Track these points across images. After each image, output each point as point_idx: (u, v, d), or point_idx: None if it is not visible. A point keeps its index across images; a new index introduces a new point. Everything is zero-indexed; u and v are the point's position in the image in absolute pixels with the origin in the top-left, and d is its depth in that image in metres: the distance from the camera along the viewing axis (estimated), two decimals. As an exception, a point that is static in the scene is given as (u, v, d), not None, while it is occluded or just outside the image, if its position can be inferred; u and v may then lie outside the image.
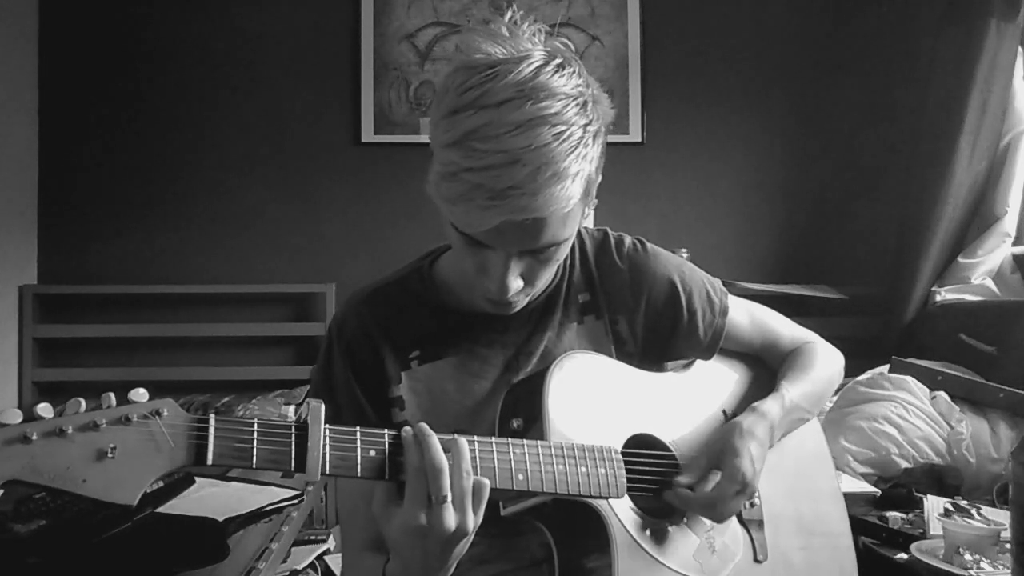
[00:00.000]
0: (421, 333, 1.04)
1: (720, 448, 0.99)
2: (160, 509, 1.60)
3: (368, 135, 3.01)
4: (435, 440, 0.79)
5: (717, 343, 1.13)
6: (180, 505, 1.67)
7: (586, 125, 0.85)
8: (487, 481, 0.81)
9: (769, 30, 3.07)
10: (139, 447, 0.69)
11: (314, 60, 3.05)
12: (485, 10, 3.03)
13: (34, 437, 0.66)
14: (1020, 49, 2.56)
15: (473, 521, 0.80)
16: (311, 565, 1.84)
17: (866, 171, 3.04)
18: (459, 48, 0.87)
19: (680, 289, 1.10)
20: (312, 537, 1.99)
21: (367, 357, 1.02)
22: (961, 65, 2.54)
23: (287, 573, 1.73)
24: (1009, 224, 2.58)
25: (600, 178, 0.92)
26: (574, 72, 0.87)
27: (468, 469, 0.80)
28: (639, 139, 3.03)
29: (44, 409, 0.68)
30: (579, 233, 1.10)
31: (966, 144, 2.54)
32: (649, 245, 1.13)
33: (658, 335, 1.09)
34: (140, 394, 0.71)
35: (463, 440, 0.81)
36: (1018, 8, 2.49)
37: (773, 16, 3.07)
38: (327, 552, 1.93)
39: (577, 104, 0.84)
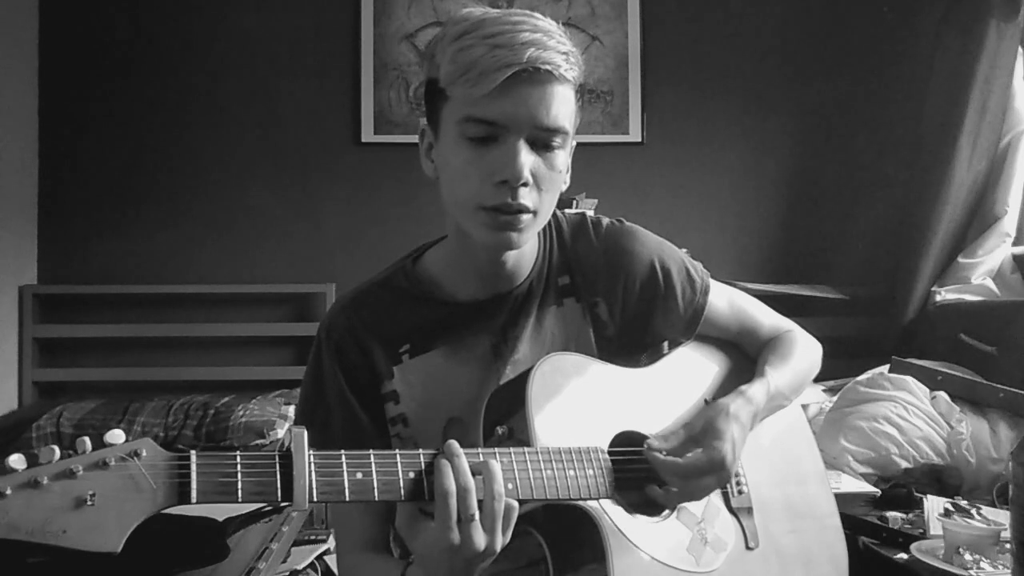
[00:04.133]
0: (409, 327, 1.04)
1: (703, 426, 0.98)
2: (160, 509, 1.60)
3: (368, 135, 3.01)
4: (464, 461, 0.81)
5: (697, 323, 1.13)
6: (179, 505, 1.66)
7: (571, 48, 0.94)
8: (516, 503, 0.83)
9: (769, 30, 3.08)
10: (119, 491, 0.67)
11: (314, 60, 3.05)
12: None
13: (8, 491, 0.63)
14: (1020, 49, 2.56)
15: (501, 541, 0.82)
16: (311, 565, 1.84)
17: (866, 171, 3.04)
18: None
19: (658, 267, 1.10)
20: (312, 537, 1.98)
21: (356, 358, 1.03)
22: (961, 65, 2.55)
23: (287, 573, 1.73)
24: (1009, 224, 2.58)
25: (578, 122, 0.99)
26: None
27: (500, 491, 0.81)
28: (639, 139, 3.04)
29: (16, 460, 0.64)
30: (557, 217, 1.11)
31: (966, 144, 2.54)
32: (628, 224, 1.13)
33: (638, 315, 1.09)
34: (116, 435, 0.69)
35: (495, 462, 0.82)
36: (1018, 8, 2.49)
37: (773, 16, 3.07)
38: (327, 552, 1.92)
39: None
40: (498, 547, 0.81)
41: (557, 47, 0.90)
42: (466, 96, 0.90)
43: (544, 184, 0.94)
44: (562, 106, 0.92)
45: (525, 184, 0.91)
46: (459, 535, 0.79)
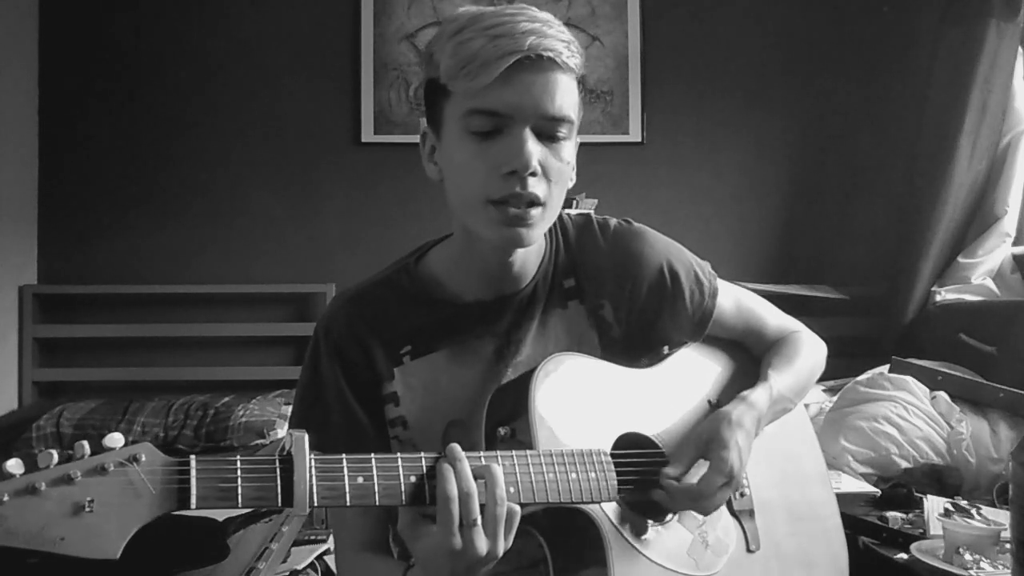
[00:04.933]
0: (411, 328, 1.03)
1: (708, 438, 0.97)
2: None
3: (368, 135, 3.01)
4: (466, 465, 0.80)
5: (705, 326, 1.12)
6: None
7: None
8: (518, 508, 0.82)
9: (769, 30, 3.08)
10: (118, 497, 0.66)
11: (314, 60, 3.05)
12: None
13: (5, 498, 0.62)
14: (1020, 49, 2.56)
15: (503, 546, 0.81)
16: (311, 565, 1.84)
17: (866, 171, 3.04)
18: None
19: (667, 270, 1.09)
20: (312, 537, 1.98)
21: (356, 356, 1.02)
22: (961, 65, 2.54)
23: (287, 573, 1.73)
24: (1009, 224, 2.58)
25: (582, 114, 0.98)
26: None
27: (502, 496, 0.81)
28: (639, 139, 3.04)
29: (14, 465, 0.64)
30: (562, 219, 1.09)
31: (966, 144, 2.54)
32: (636, 225, 1.12)
33: (645, 317, 1.08)
34: (115, 439, 0.68)
35: (497, 467, 0.82)
36: (1018, 8, 2.49)
37: (773, 16, 3.07)
38: (327, 552, 1.92)
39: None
40: (500, 551, 0.81)
41: (558, 35, 0.90)
42: (468, 89, 0.89)
43: (552, 175, 0.93)
44: (566, 95, 0.91)
45: (534, 174, 0.90)
46: (461, 540, 0.79)
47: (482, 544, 0.79)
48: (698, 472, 0.96)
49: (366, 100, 3.01)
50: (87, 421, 2.44)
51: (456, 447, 0.81)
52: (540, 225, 0.94)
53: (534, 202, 0.91)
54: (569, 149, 0.95)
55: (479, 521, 0.79)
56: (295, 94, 3.03)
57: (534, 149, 0.90)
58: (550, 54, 0.88)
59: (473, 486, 0.80)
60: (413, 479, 0.80)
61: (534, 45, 0.87)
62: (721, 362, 1.16)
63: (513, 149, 0.89)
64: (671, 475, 0.95)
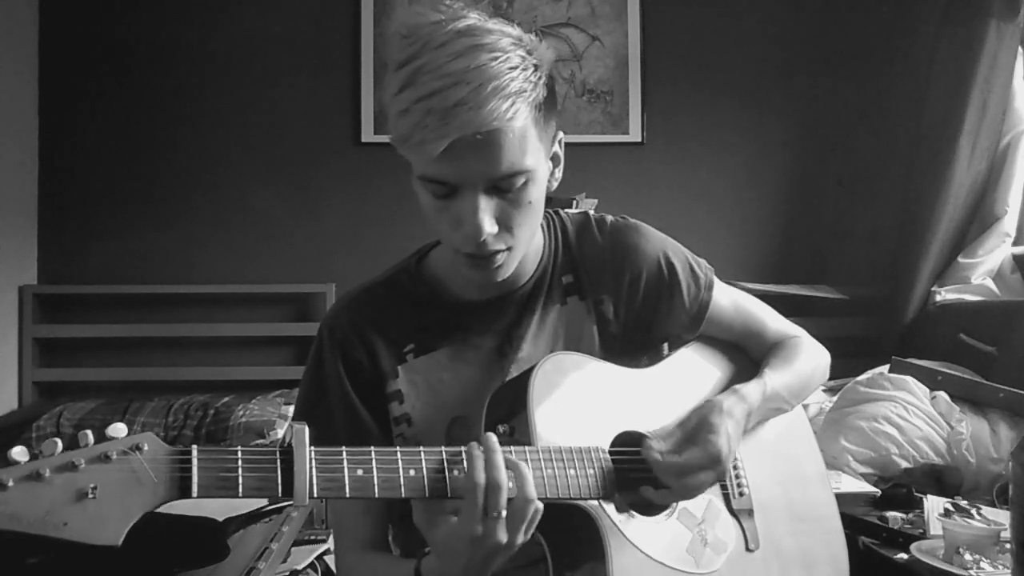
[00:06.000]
0: (414, 327, 1.04)
1: (696, 423, 0.98)
2: (159, 509, 1.60)
3: (368, 135, 3.02)
4: (500, 457, 0.82)
5: (702, 319, 1.13)
6: (180, 505, 1.66)
7: (524, 56, 0.89)
8: (541, 506, 0.84)
9: (769, 30, 3.08)
10: (121, 485, 0.67)
11: (314, 60, 3.05)
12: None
13: (10, 483, 0.64)
14: (1020, 49, 2.56)
15: (522, 540, 0.83)
16: (311, 565, 1.84)
17: (866, 171, 3.04)
18: (400, 22, 0.92)
19: (663, 262, 1.10)
20: (312, 537, 1.98)
21: (360, 355, 1.03)
22: (961, 65, 2.54)
23: (287, 573, 1.73)
24: (1009, 224, 2.58)
25: (557, 124, 0.96)
26: (505, 24, 0.93)
27: (532, 495, 0.83)
28: (639, 139, 3.04)
29: (19, 452, 0.65)
30: (561, 216, 1.11)
31: (966, 144, 2.54)
32: (632, 220, 1.13)
33: (643, 311, 1.09)
34: (118, 429, 0.69)
35: (525, 467, 0.83)
36: (1018, 8, 2.49)
37: (773, 16, 3.07)
38: (327, 552, 1.92)
39: (511, 39, 0.90)
40: (518, 544, 0.83)
41: (498, 91, 0.84)
42: (414, 159, 0.90)
43: (514, 221, 0.92)
44: (513, 150, 0.87)
45: (491, 233, 0.90)
46: (483, 528, 0.80)
47: (503, 534, 0.81)
48: (685, 452, 0.96)
49: (366, 100, 3.02)
50: (87, 421, 2.44)
51: (493, 439, 0.83)
52: (510, 263, 0.96)
53: (497, 254, 0.92)
54: (533, 190, 0.92)
55: (503, 513, 0.80)
56: (295, 94, 3.04)
57: (485, 215, 0.88)
58: (484, 130, 0.84)
59: (504, 478, 0.81)
60: (412, 472, 0.81)
61: (465, 123, 0.83)
62: (720, 364, 1.17)
63: (466, 214, 0.89)
64: (655, 448, 0.95)
